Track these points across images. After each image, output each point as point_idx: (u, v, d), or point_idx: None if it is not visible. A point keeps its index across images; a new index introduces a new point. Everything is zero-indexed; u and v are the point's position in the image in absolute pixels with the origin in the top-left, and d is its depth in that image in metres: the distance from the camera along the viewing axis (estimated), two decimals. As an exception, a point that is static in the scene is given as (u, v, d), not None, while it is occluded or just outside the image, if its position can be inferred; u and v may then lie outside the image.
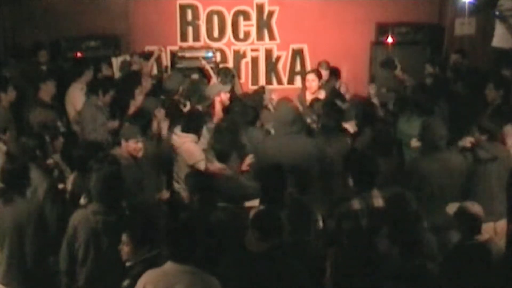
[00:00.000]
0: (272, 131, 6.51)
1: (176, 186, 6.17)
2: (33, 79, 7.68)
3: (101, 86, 7.33)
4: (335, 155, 5.71)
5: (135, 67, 8.68)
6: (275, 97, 8.05)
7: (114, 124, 6.89)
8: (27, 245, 4.65)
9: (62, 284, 4.66)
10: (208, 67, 8.76)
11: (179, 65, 9.14)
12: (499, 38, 8.28)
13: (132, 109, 7.10)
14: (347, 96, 7.96)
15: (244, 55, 9.88)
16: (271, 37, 9.85)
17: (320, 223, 4.83)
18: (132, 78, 7.92)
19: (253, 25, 9.81)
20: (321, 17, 9.73)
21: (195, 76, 8.76)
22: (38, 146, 5.57)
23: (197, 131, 6.19)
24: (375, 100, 7.77)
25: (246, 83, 9.71)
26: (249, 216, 4.34)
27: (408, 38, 9.50)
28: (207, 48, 9.41)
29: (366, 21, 9.61)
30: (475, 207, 4.53)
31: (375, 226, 4.43)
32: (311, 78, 7.96)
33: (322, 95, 7.85)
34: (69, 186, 5.45)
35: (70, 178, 5.49)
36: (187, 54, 9.22)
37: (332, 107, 6.63)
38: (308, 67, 9.68)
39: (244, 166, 5.91)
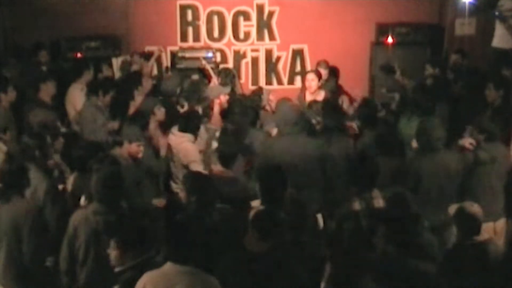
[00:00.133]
0: (274, 132, 6.51)
1: (174, 186, 6.17)
2: (33, 79, 7.68)
3: (101, 87, 7.33)
4: (337, 156, 5.70)
5: (135, 67, 8.69)
6: (272, 97, 8.05)
7: (114, 125, 6.89)
8: (24, 245, 4.64)
9: (62, 284, 4.66)
10: (208, 67, 8.77)
11: (179, 66, 9.14)
12: (499, 38, 8.28)
13: (131, 109, 7.10)
14: (351, 110, 7.77)
15: (244, 56, 9.88)
16: (271, 37, 9.85)
17: (320, 223, 4.84)
18: (132, 78, 7.92)
19: (253, 25, 9.81)
20: (321, 17, 9.73)
21: (195, 76, 8.76)
22: (38, 146, 5.57)
23: (194, 131, 6.19)
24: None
25: (246, 84, 9.70)
26: (247, 217, 4.34)
27: (408, 38, 9.49)
28: (207, 48, 9.42)
29: (366, 21, 9.61)
30: (474, 208, 4.53)
31: (375, 227, 4.43)
32: (311, 77, 7.96)
33: (321, 95, 7.84)
34: (69, 186, 5.44)
35: (70, 179, 5.49)
36: (187, 55, 9.22)
37: (333, 107, 6.62)
38: (308, 67, 9.68)
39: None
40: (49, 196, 5.15)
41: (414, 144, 6.15)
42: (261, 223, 3.99)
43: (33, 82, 7.59)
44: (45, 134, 5.81)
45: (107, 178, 4.59)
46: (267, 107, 7.78)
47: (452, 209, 4.66)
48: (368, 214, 4.51)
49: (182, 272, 3.66)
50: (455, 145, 5.82)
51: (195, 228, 3.80)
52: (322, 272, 4.30)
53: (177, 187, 6.04)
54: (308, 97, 7.87)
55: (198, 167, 5.95)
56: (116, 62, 8.90)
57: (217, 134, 6.60)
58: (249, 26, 9.81)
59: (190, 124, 6.23)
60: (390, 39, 9.37)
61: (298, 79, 9.90)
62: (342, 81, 8.77)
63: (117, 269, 3.93)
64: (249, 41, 9.85)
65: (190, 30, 9.72)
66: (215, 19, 9.73)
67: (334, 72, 8.70)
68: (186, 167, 6.03)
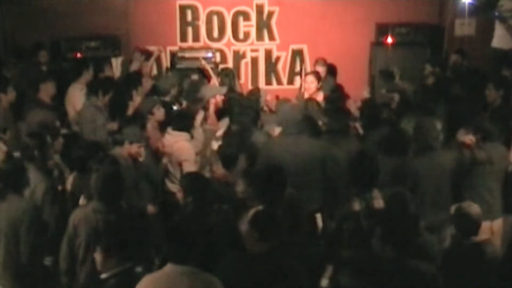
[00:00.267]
0: (276, 132, 6.51)
1: (171, 185, 6.16)
2: (33, 80, 7.67)
3: (101, 87, 7.32)
4: (344, 157, 5.68)
5: (135, 64, 8.68)
6: (270, 98, 8.06)
7: (114, 125, 6.89)
8: (22, 244, 4.65)
9: (62, 283, 4.66)
10: (208, 67, 8.77)
11: (179, 66, 9.14)
12: (499, 38, 8.30)
13: (130, 110, 7.09)
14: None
15: (243, 56, 9.88)
16: (271, 37, 9.85)
17: (320, 224, 4.84)
18: (132, 78, 7.92)
19: (252, 25, 9.81)
20: (321, 17, 9.73)
21: (195, 76, 8.76)
22: (37, 146, 5.57)
23: (188, 129, 6.16)
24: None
25: (246, 84, 9.70)
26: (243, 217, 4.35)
27: (408, 38, 9.48)
28: (207, 48, 9.41)
29: (366, 21, 9.61)
30: (473, 208, 4.54)
31: (375, 227, 4.42)
32: (310, 80, 7.95)
33: (320, 96, 7.84)
34: (68, 186, 5.44)
35: (70, 179, 5.49)
36: (187, 55, 9.22)
37: (339, 109, 6.59)
38: (308, 67, 9.68)
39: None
40: (48, 196, 5.15)
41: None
42: (260, 223, 3.99)
43: (33, 82, 7.59)
44: (45, 134, 5.82)
45: (108, 176, 4.60)
46: (265, 108, 7.77)
47: (453, 209, 4.67)
48: (368, 214, 4.51)
49: (184, 273, 3.65)
50: (454, 142, 5.82)
51: (194, 228, 3.80)
52: (322, 272, 4.31)
53: (174, 187, 6.04)
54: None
55: (190, 166, 5.92)
56: (116, 62, 8.89)
57: (218, 133, 6.58)
58: (248, 26, 9.81)
59: (183, 123, 6.20)
60: (390, 39, 9.37)
61: (297, 79, 9.87)
62: (342, 81, 8.78)
63: (102, 276, 3.89)
64: (249, 41, 9.85)
65: (189, 30, 9.72)
66: (215, 19, 9.73)
67: (331, 70, 8.70)
68: (179, 164, 6.00)
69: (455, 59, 8.65)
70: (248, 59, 9.90)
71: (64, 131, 6.69)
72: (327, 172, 5.61)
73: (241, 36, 9.82)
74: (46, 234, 4.92)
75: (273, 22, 9.80)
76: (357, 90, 8.80)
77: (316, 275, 4.36)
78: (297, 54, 9.90)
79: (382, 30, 9.50)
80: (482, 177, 5.61)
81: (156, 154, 6.38)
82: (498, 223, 5.64)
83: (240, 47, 9.85)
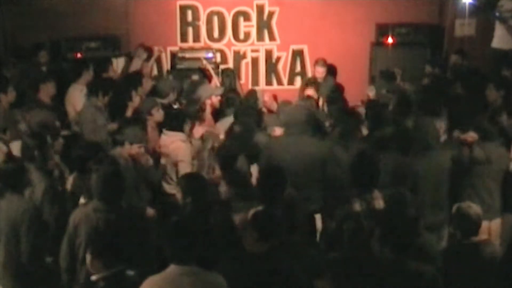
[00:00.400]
0: (277, 132, 6.51)
1: (167, 187, 6.15)
2: (33, 80, 7.67)
3: (101, 87, 7.31)
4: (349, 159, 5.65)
5: (137, 61, 8.67)
6: (267, 99, 8.05)
7: (114, 126, 6.89)
8: (22, 244, 4.65)
9: (62, 283, 4.65)
10: (209, 67, 8.77)
11: (179, 66, 9.14)
12: (499, 39, 8.31)
13: (129, 110, 7.08)
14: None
15: (244, 56, 9.87)
16: (271, 37, 9.84)
17: (319, 224, 4.83)
18: (133, 79, 7.91)
19: (253, 25, 9.80)
20: (321, 17, 9.73)
21: (195, 77, 8.76)
22: (37, 147, 5.57)
23: (181, 129, 6.15)
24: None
25: (246, 84, 9.70)
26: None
27: (408, 38, 9.48)
28: (207, 48, 9.41)
29: (366, 22, 9.61)
30: (473, 208, 4.54)
31: (376, 228, 4.42)
32: (311, 93, 7.95)
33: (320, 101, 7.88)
34: (68, 186, 5.45)
35: (70, 179, 5.49)
36: (188, 55, 9.21)
37: (350, 113, 6.56)
38: (308, 67, 9.69)
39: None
40: (47, 196, 5.15)
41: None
42: (260, 223, 3.99)
43: (33, 83, 7.59)
44: (45, 135, 5.82)
45: (108, 175, 4.60)
46: (264, 109, 7.77)
47: (453, 209, 4.67)
48: (368, 215, 4.51)
49: (188, 273, 3.65)
50: (454, 141, 5.82)
51: (195, 227, 3.80)
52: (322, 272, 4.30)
53: (170, 188, 6.04)
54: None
55: (186, 167, 5.89)
56: (116, 62, 8.88)
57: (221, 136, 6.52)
58: (249, 27, 9.80)
59: (177, 123, 6.19)
60: (390, 40, 9.37)
61: (298, 79, 9.89)
62: (342, 81, 8.78)
63: (92, 278, 3.87)
64: (249, 42, 9.84)
65: (190, 30, 9.71)
66: (215, 19, 9.72)
67: (332, 70, 8.70)
68: (175, 165, 5.97)
69: (455, 59, 8.65)
70: (248, 59, 9.89)
71: (64, 131, 6.69)
72: (328, 172, 5.61)
73: (241, 36, 9.81)
74: (46, 234, 4.92)
75: (274, 22, 9.79)
76: (357, 90, 8.83)
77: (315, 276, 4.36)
78: (298, 54, 9.90)
79: (382, 30, 9.50)
80: (481, 177, 5.62)
81: (154, 155, 6.36)
82: (496, 223, 5.65)
83: (241, 47, 9.84)
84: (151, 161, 5.93)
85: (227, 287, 3.72)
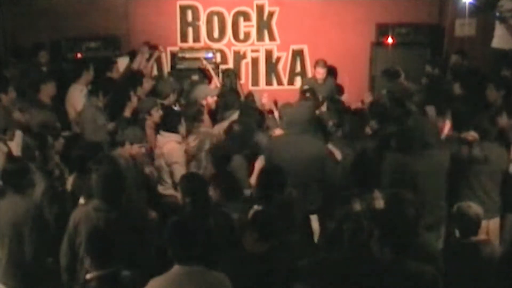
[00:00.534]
0: (277, 132, 6.51)
1: (160, 188, 6.13)
2: (33, 80, 7.67)
3: (101, 87, 7.32)
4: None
5: (140, 58, 8.65)
6: (265, 100, 8.04)
7: (111, 126, 6.89)
8: (26, 244, 4.66)
9: (63, 282, 4.66)
10: (209, 67, 8.77)
11: (179, 66, 9.14)
12: (499, 39, 8.30)
13: (128, 110, 7.09)
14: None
15: (244, 56, 9.88)
16: (271, 37, 9.85)
17: (315, 225, 4.83)
18: (133, 79, 7.92)
19: (253, 25, 9.81)
20: (321, 17, 9.74)
21: (195, 77, 8.77)
22: (38, 147, 5.58)
23: (176, 130, 6.14)
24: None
25: (246, 84, 9.71)
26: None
27: (408, 38, 9.49)
28: (207, 49, 9.42)
29: (366, 22, 9.62)
30: (473, 208, 4.54)
31: (375, 228, 4.42)
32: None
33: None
34: (68, 187, 5.45)
35: (70, 179, 5.50)
36: (188, 55, 9.23)
37: (356, 114, 6.56)
38: (308, 67, 9.69)
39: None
40: (46, 196, 5.16)
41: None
42: (260, 223, 3.99)
43: (33, 83, 7.59)
44: (45, 135, 5.82)
45: (109, 174, 4.60)
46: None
47: (454, 209, 4.67)
48: (368, 215, 4.50)
49: (191, 273, 3.65)
50: (455, 140, 5.83)
51: (196, 227, 3.80)
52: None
53: (164, 188, 6.03)
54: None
55: (180, 169, 5.88)
56: (121, 61, 8.86)
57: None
58: (249, 27, 9.80)
59: (171, 123, 6.18)
60: (390, 40, 9.38)
61: (298, 79, 9.90)
62: (342, 81, 8.79)
63: (87, 276, 3.86)
64: (249, 42, 9.85)
65: (190, 30, 9.71)
66: (215, 19, 9.73)
67: (332, 71, 8.70)
68: (168, 165, 5.98)
69: (455, 60, 8.65)
70: (248, 59, 9.90)
71: (64, 132, 6.69)
72: (327, 172, 5.61)
73: (241, 36, 9.82)
74: (48, 234, 4.92)
75: (274, 22, 9.79)
76: (357, 90, 8.84)
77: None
78: (298, 54, 9.90)
79: (382, 30, 9.51)
80: (478, 176, 5.62)
81: (151, 155, 6.37)
82: (494, 222, 5.65)
83: (241, 47, 9.85)
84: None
85: (231, 287, 3.72)
